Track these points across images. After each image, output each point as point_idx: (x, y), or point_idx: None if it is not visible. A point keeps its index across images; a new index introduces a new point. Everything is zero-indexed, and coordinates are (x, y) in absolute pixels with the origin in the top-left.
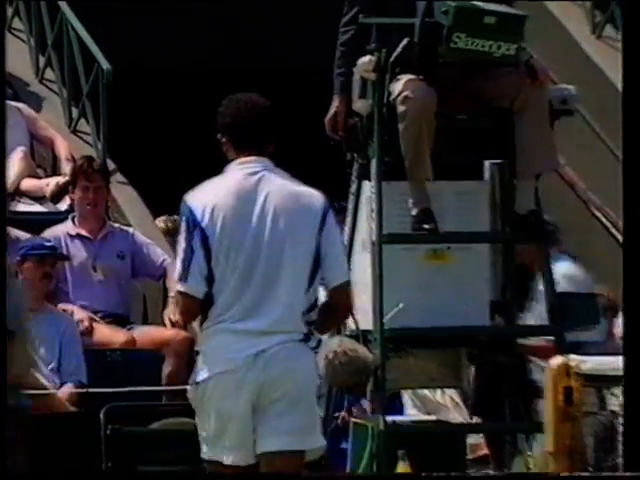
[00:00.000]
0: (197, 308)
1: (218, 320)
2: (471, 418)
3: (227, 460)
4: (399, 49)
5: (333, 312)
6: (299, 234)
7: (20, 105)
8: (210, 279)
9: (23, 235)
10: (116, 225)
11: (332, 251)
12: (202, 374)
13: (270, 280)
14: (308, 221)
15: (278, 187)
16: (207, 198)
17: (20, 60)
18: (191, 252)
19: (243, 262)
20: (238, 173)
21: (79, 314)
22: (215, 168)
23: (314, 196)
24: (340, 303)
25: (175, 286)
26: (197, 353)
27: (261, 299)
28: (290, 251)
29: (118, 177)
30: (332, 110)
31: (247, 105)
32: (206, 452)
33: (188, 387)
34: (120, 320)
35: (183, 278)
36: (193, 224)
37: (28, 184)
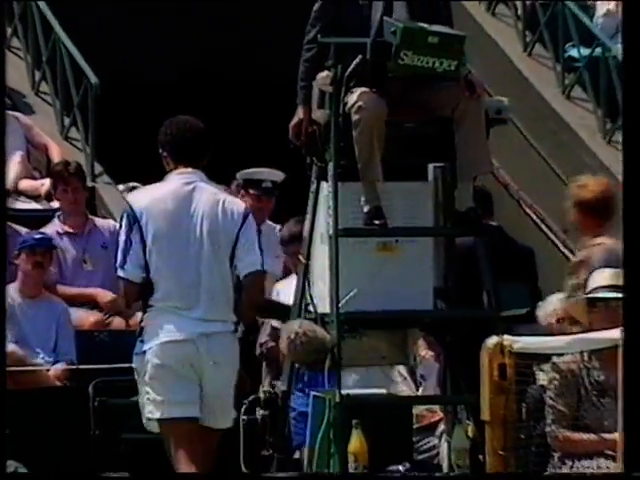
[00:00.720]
0: (136, 291)
1: (162, 305)
2: (417, 390)
3: (178, 413)
4: (353, 65)
5: (245, 299)
6: (223, 234)
7: (18, 114)
8: (147, 269)
9: (21, 229)
10: (97, 219)
11: (246, 245)
12: (148, 344)
13: (203, 275)
14: (230, 223)
15: (208, 196)
16: (147, 200)
17: (18, 75)
18: (130, 243)
19: (177, 259)
20: (176, 182)
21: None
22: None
23: (236, 203)
24: (249, 290)
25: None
26: (142, 329)
27: (199, 292)
28: (216, 250)
29: (105, 178)
30: (295, 118)
31: (185, 125)
32: (156, 412)
33: (133, 357)
34: None
35: (122, 265)
36: (133, 220)
37: (25, 184)
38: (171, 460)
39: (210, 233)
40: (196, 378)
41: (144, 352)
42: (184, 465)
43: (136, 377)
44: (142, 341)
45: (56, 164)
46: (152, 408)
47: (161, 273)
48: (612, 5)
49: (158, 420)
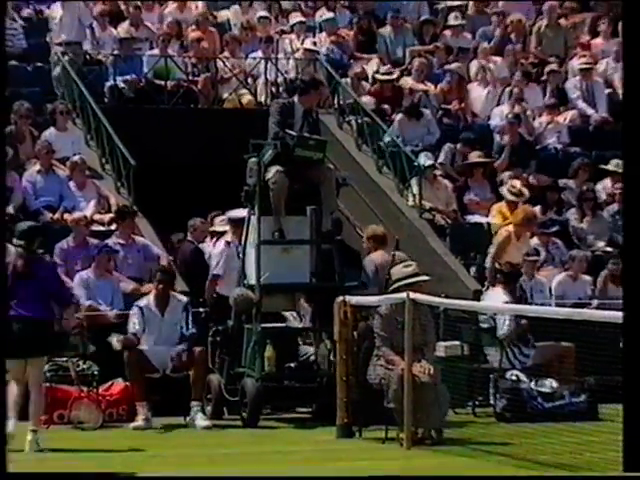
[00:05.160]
0: None
1: None
2: (301, 323)
3: None
4: (269, 155)
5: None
6: None
7: (94, 181)
8: None
9: (94, 241)
10: (136, 237)
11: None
12: None
13: None
14: None
15: None
16: None
17: (94, 162)
18: None
19: None
20: None
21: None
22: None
23: None
24: None
25: None
26: None
27: None
28: None
29: (139, 215)
30: None
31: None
32: None
33: None
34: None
35: None
36: None
37: (97, 217)
38: None
39: None
40: None
41: None
42: None
43: None
44: None
45: (120, 207)
46: None
47: None
48: (400, 117)
49: None
